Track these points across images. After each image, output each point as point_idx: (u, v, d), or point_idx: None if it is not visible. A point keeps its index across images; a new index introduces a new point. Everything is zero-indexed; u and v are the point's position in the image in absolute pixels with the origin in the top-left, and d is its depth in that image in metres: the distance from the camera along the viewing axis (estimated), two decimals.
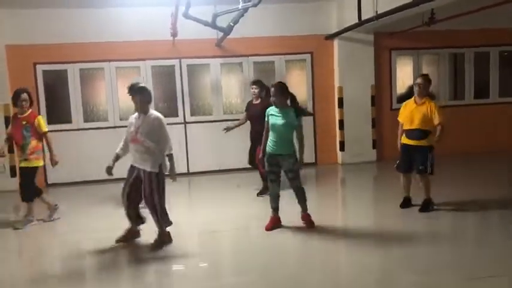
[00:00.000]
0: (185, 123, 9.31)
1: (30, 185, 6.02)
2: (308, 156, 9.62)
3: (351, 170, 9.29)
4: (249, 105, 7.34)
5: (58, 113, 8.98)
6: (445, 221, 5.75)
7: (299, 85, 9.76)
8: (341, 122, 9.68)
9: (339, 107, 9.66)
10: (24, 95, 5.91)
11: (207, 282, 4.26)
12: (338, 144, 9.79)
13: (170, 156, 5.06)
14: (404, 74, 10.25)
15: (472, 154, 9.87)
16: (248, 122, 7.32)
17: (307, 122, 9.63)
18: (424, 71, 10.23)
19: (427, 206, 5.95)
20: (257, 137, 6.97)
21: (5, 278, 4.55)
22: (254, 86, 7.16)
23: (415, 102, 5.95)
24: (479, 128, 10.21)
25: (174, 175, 5.11)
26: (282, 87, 5.36)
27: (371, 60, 9.68)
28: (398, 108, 9.62)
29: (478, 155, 9.82)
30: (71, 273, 4.58)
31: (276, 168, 5.36)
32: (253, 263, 4.64)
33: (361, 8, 8.03)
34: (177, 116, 9.27)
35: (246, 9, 6.61)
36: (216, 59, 9.30)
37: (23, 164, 5.97)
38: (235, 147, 8.78)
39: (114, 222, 5.85)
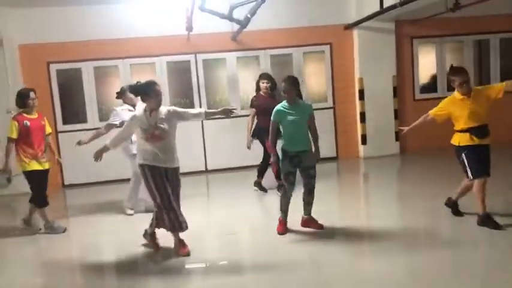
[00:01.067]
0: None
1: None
2: (329, 151, 9.45)
3: (373, 164, 8.99)
4: (259, 99, 6.89)
5: (73, 112, 8.86)
6: (473, 219, 5.39)
7: (318, 77, 9.49)
8: (362, 115, 9.36)
9: (359, 99, 9.34)
10: (33, 94, 5.66)
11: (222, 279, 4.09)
12: (360, 137, 9.48)
13: (207, 113, 4.81)
14: (427, 63, 9.89)
15: (501, 143, 9.45)
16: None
17: (328, 115, 9.42)
18: (448, 59, 9.88)
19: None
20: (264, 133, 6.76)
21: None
22: (266, 81, 6.84)
23: (467, 97, 4.96)
24: (509, 117, 9.79)
25: (228, 110, 4.87)
26: (295, 81, 5.04)
27: (392, 49, 9.34)
28: (422, 99, 9.65)
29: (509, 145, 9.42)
30: (92, 272, 4.44)
31: (296, 169, 5.07)
32: (272, 264, 4.43)
33: None
34: None
35: (264, 0, 6.36)
36: (232, 53, 9.05)
37: (48, 166, 5.76)
38: (255, 144, 8.55)
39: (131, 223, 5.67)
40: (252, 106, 6.95)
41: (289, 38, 9.11)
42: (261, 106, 6.79)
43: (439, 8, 8.26)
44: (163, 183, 4.57)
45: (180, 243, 4.76)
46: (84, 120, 8.81)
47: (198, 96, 9.05)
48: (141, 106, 5.11)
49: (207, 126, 9.05)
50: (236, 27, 8.17)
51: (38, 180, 5.64)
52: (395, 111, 9.44)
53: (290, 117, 4.97)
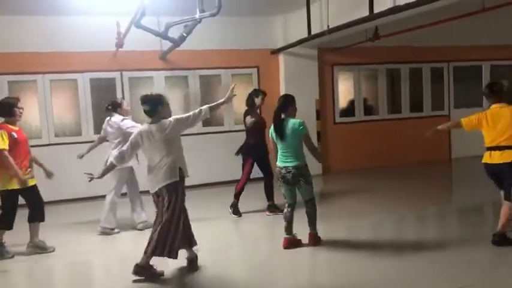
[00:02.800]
0: None
1: None
2: (256, 171, 9.56)
3: None
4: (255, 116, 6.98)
5: None
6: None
7: (245, 99, 9.62)
8: None
9: None
10: (20, 103, 5.29)
11: None
12: None
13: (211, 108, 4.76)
14: (345, 89, 10.51)
15: (410, 165, 10.26)
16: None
17: None
18: (364, 86, 10.62)
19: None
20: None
21: None
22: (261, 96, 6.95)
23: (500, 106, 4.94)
24: (416, 140, 10.64)
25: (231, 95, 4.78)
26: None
27: (315, 75, 9.81)
28: (341, 123, 10.22)
29: (415, 165, 10.23)
30: None
31: None
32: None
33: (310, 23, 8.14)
34: None
35: (200, 20, 6.38)
36: (160, 71, 8.91)
37: (33, 182, 5.28)
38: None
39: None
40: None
41: (218, 60, 9.20)
42: (259, 124, 6.81)
43: (360, 38, 8.86)
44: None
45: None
46: None
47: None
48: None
49: None
50: (164, 46, 8.11)
51: (14, 200, 5.19)
52: (318, 133, 9.86)
53: None
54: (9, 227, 5.23)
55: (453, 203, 7.73)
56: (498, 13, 7.13)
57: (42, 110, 8.28)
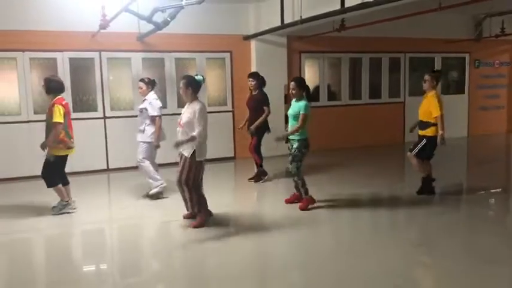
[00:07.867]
0: (105, 118, 9.09)
1: None
2: (227, 151, 10.14)
3: (266, 163, 9.84)
4: (249, 97, 7.93)
5: None
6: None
7: (219, 82, 10.13)
8: None
9: None
10: None
11: None
12: None
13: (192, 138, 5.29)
14: (311, 75, 11.20)
15: (368, 147, 11.16)
16: None
17: (227, 117, 10.10)
18: (327, 73, 11.34)
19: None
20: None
21: None
22: (250, 79, 7.73)
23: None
24: (374, 123, 11.57)
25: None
26: (301, 82, 6.22)
27: (284, 61, 10.43)
28: None
29: (374, 147, 11.13)
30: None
31: None
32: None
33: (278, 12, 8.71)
34: (96, 110, 9.03)
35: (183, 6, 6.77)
36: (137, 53, 9.24)
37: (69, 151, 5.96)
38: None
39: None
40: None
41: (193, 44, 9.63)
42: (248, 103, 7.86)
43: (327, 28, 9.52)
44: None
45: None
46: None
47: (101, 94, 9.04)
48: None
49: (110, 123, 9.07)
50: (142, 28, 8.45)
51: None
52: (286, 116, 10.47)
53: (289, 110, 6.38)
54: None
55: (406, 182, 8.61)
56: (451, 10, 7.96)
57: (21, 86, 8.45)
